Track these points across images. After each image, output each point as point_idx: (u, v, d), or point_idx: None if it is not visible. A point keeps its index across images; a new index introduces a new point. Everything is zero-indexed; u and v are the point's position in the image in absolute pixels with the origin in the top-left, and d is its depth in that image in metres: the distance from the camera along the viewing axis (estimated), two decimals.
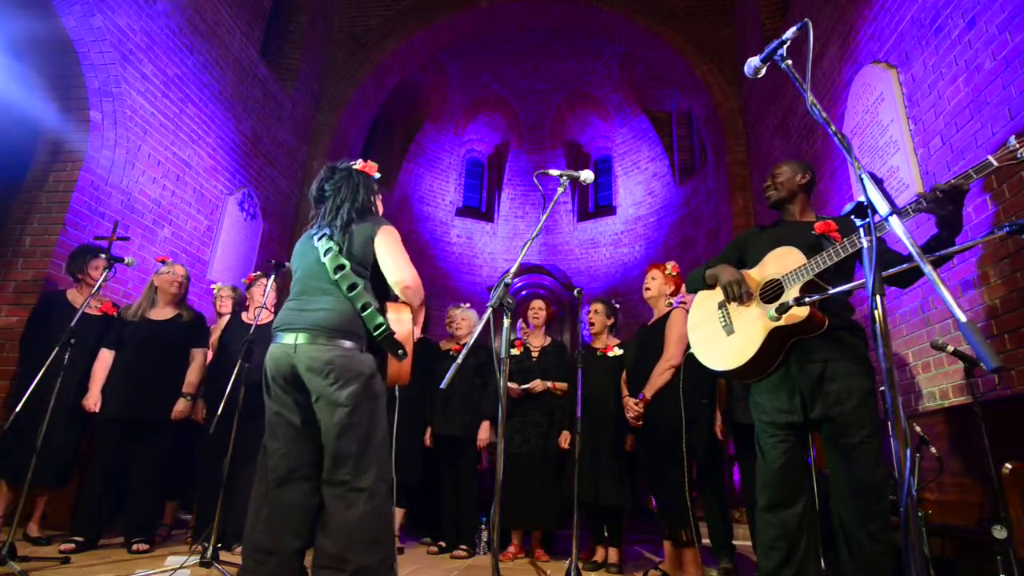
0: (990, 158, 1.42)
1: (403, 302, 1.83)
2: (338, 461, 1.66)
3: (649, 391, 2.81)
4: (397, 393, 1.87)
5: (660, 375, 2.80)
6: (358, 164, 2.03)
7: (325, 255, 1.81)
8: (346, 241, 1.84)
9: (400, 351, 1.74)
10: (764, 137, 5.71)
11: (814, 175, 2.13)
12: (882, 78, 3.50)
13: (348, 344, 1.72)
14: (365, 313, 1.73)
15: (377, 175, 2.06)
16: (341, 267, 1.77)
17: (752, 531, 2.98)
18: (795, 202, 2.08)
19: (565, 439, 3.30)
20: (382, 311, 1.78)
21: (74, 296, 3.24)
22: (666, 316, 2.96)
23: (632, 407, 2.84)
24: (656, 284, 3.08)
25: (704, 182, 7.82)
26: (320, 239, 1.86)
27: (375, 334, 1.73)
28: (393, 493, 1.76)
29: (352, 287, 1.75)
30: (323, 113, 6.87)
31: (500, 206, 9.88)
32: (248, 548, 1.68)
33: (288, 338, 1.73)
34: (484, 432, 3.56)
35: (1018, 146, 1.37)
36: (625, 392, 3.02)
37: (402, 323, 1.78)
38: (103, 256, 3.26)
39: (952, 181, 1.50)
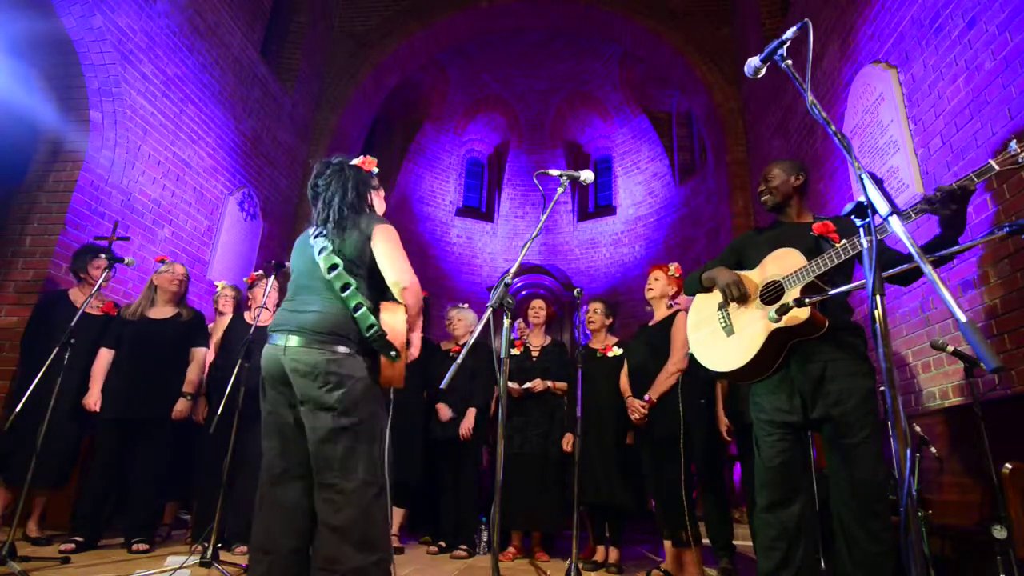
0: (991, 162, 1.42)
1: (399, 302, 1.80)
2: (323, 464, 1.64)
3: (655, 393, 2.81)
4: (392, 396, 1.83)
5: (667, 378, 2.80)
6: (357, 160, 1.99)
7: (319, 254, 1.78)
8: (340, 239, 1.80)
9: (392, 352, 1.70)
10: (764, 137, 5.71)
11: (808, 175, 2.11)
12: (882, 78, 3.50)
13: (338, 348, 1.69)
14: (358, 314, 1.70)
15: (375, 170, 2.01)
16: (334, 266, 1.74)
17: (753, 531, 2.98)
18: (791, 204, 2.07)
19: (568, 441, 3.28)
20: (376, 311, 1.74)
21: (76, 296, 3.25)
22: (670, 319, 2.96)
23: (638, 408, 2.84)
24: (659, 285, 3.08)
25: (704, 182, 7.82)
26: (316, 237, 1.84)
27: (367, 335, 1.70)
28: (387, 493, 1.72)
29: (345, 287, 1.72)
30: (323, 113, 6.87)
31: (500, 206, 9.88)
32: (250, 548, 1.72)
33: (280, 339, 1.72)
34: (469, 420, 3.46)
35: (1019, 151, 1.37)
36: (628, 393, 3.02)
37: (395, 324, 1.74)
38: (104, 256, 3.27)
39: (954, 184, 1.50)
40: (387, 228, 1.85)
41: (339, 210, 1.84)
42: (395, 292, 1.79)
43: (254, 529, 1.69)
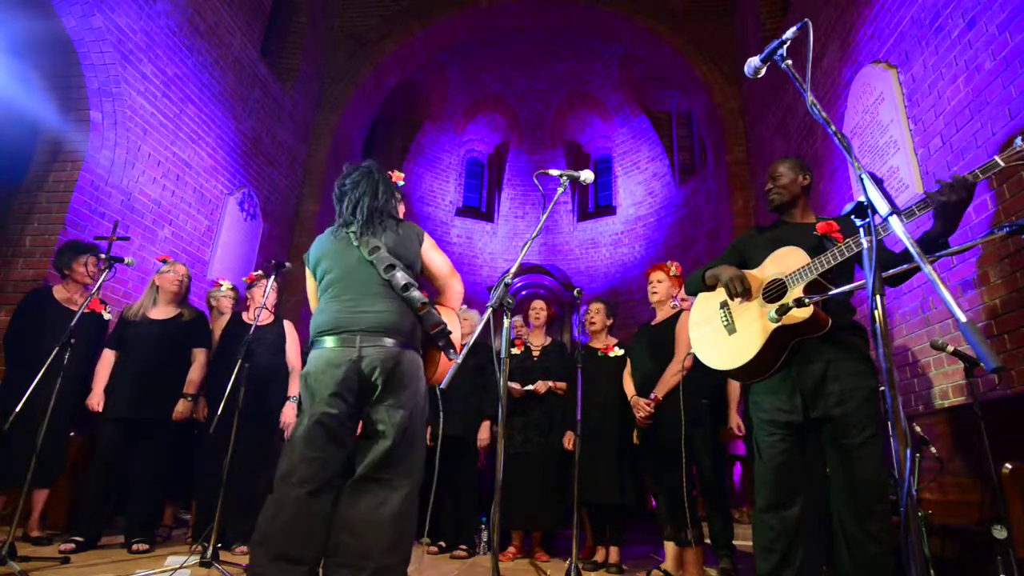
0: (996, 158, 1.41)
1: (442, 305, 1.93)
2: (387, 461, 1.66)
3: (661, 391, 2.80)
4: (438, 392, 1.90)
5: (673, 376, 2.79)
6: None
7: (371, 253, 1.80)
8: (392, 240, 1.86)
9: (452, 350, 1.81)
10: (764, 137, 5.71)
11: (812, 176, 2.12)
12: (882, 78, 3.50)
13: (410, 346, 1.77)
14: (424, 312, 1.77)
15: (400, 183, 2.08)
16: (392, 267, 1.79)
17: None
18: (797, 205, 2.07)
19: (569, 439, 3.28)
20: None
21: (60, 293, 3.17)
22: (674, 318, 2.95)
23: (643, 407, 2.83)
24: (663, 287, 3.08)
25: (704, 182, 7.82)
26: (361, 237, 1.85)
27: (433, 332, 1.78)
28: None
29: (407, 286, 1.78)
30: (323, 113, 6.87)
31: (500, 206, 9.88)
32: (266, 555, 1.58)
33: (348, 340, 1.71)
34: (484, 432, 3.55)
35: None
36: (632, 392, 3.01)
37: (455, 326, 1.87)
38: (89, 254, 3.23)
39: (957, 177, 1.49)
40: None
41: (369, 210, 1.89)
42: (451, 294, 1.96)
43: (270, 535, 1.60)
